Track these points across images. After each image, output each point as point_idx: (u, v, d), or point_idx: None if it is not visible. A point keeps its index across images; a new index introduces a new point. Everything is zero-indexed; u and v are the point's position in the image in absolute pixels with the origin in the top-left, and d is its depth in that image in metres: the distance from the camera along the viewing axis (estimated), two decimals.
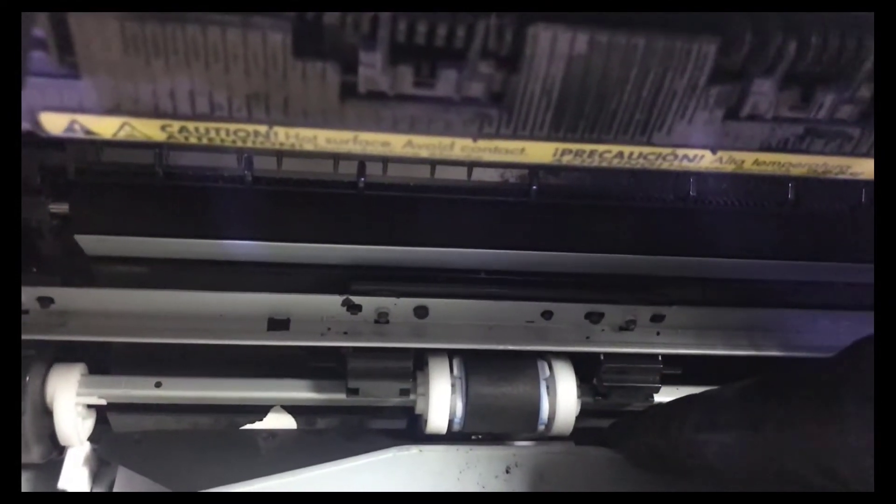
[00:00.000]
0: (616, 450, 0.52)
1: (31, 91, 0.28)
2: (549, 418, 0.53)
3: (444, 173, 0.50)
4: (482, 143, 0.30)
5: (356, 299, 0.51)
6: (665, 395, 0.54)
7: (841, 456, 0.34)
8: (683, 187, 0.52)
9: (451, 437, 0.53)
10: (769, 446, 0.38)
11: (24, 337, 0.48)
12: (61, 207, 0.48)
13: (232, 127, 0.29)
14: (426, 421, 0.52)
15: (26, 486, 0.53)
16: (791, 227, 0.54)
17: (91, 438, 0.54)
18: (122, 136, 0.30)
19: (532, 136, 0.30)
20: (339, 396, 0.52)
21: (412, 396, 0.53)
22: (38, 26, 0.27)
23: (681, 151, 0.32)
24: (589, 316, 0.54)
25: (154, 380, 0.51)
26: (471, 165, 0.50)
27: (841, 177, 0.34)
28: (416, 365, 0.52)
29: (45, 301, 0.49)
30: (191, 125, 0.29)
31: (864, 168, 0.33)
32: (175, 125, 0.29)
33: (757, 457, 0.39)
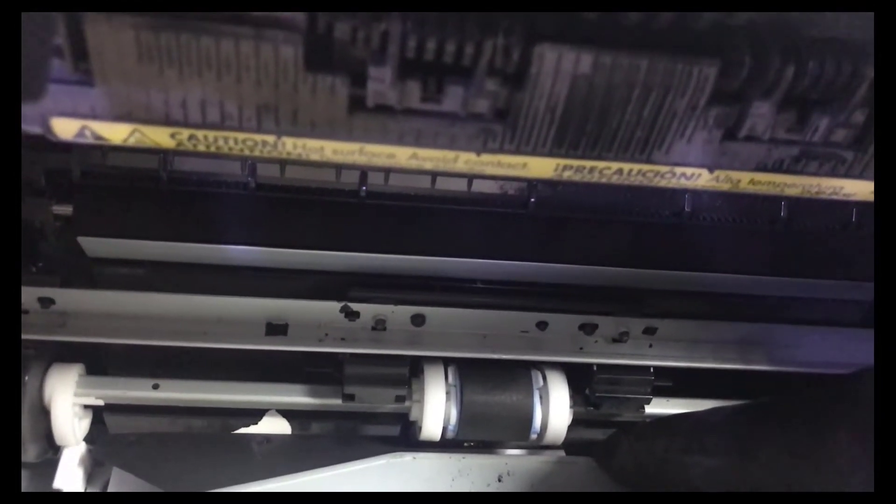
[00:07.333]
0: (604, 467, 0.53)
1: (45, 96, 0.28)
2: (541, 427, 0.53)
3: (444, 184, 0.50)
4: (485, 158, 0.31)
5: (354, 306, 0.52)
6: (656, 407, 0.55)
7: (834, 486, 0.34)
8: (679, 203, 0.53)
9: (445, 445, 0.54)
10: (760, 474, 0.38)
11: (23, 337, 0.48)
12: (65, 209, 0.48)
13: (241, 136, 0.30)
14: (420, 428, 0.53)
15: (21, 485, 0.53)
16: (783, 245, 0.55)
17: (86, 439, 0.54)
18: (131, 142, 0.30)
19: (534, 152, 0.31)
20: (335, 402, 0.53)
21: (407, 403, 0.53)
22: (53, 33, 0.27)
23: (679, 170, 0.32)
24: (583, 327, 0.54)
25: (151, 381, 0.52)
26: (472, 178, 0.51)
27: (834, 197, 0.34)
28: (411, 372, 0.53)
29: (46, 301, 0.49)
30: (200, 133, 0.30)
31: (857, 189, 0.34)
32: (184, 133, 0.30)
33: (746, 482, 0.39)
